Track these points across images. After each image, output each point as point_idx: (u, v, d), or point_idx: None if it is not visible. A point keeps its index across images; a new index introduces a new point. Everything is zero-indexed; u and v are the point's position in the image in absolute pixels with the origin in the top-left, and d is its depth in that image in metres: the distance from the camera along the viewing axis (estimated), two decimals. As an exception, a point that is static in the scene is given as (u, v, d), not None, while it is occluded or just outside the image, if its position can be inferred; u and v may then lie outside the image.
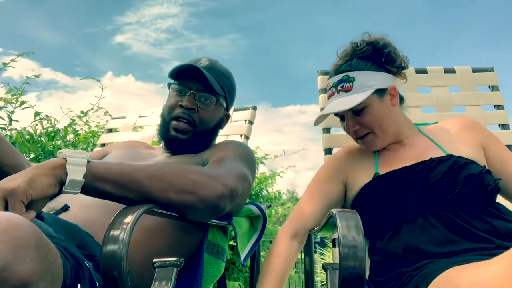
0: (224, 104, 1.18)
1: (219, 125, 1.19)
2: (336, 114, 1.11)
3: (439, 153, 0.99)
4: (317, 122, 1.13)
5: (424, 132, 1.11)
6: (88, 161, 0.71)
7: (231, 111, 1.36)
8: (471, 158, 0.96)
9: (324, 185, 1.12)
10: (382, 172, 1.02)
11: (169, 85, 1.15)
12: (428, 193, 0.92)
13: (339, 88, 1.06)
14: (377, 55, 1.08)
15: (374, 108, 1.04)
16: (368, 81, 1.04)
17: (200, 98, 1.10)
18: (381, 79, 1.06)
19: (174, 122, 1.09)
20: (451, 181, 0.90)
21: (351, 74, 1.05)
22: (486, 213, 0.88)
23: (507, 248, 0.57)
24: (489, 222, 0.86)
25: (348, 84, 1.05)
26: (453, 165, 0.93)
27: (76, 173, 0.68)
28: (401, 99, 1.15)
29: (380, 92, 1.05)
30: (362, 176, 1.06)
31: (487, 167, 0.99)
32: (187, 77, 1.11)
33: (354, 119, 1.06)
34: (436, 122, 1.17)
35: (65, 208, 0.88)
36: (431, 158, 0.97)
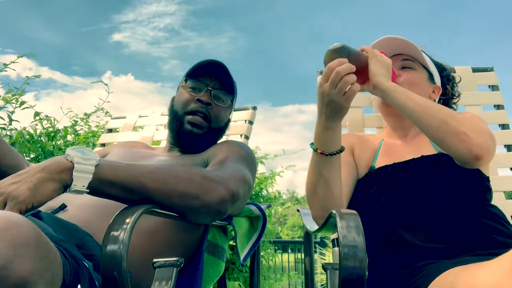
0: (231, 106, 1.21)
1: (227, 126, 1.21)
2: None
3: (432, 151, 1.00)
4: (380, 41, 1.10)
5: None
6: (97, 165, 0.71)
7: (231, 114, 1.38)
8: None
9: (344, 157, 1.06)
10: (380, 163, 1.03)
11: (186, 80, 1.15)
12: (416, 192, 0.92)
13: None
14: (441, 72, 1.17)
15: (419, 76, 1.09)
16: (429, 62, 1.11)
17: (216, 95, 1.13)
18: (436, 73, 1.13)
19: (189, 117, 1.09)
20: (438, 182, 0.91)
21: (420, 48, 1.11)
22: (479, 214, 0.88)
23: (506, 246, 0.57)
24: (484, 222, 0.86)
25: None
26: (442, 165, 0.93)
27: (82, 181, 0.68)
28: None
29: (431, 78, 1.12)
30: (362, 163, 1.06)
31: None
32: (204, 74, 1.13)
33: (399, 70, 1.08)
34: None
35: (63, 207, 0.88)
36: (422, 156, 0.97)
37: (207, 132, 1.11)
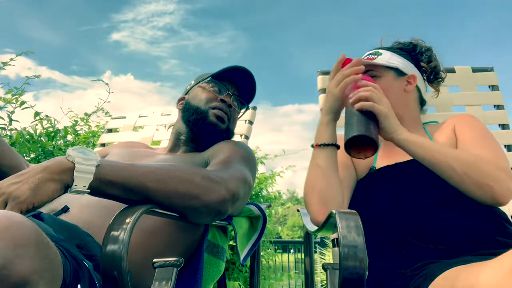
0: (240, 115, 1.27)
1: (233, 133, 1.23)
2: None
3: None
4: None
5: (426, 129, 1.11)
6: (98, 165, 0.71)
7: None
8: None
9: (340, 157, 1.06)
10: (380, 163, 1.03)
11: (209, 81, 1.18)
12: (418, 192, 0.92)
13: (364, 58, 1.12)
14: (413, 51, 1.14)
15: (386, 82, 1.07)
16: (391, 59, 1.10)
17: (235, 101, 1.19)
18: (404, 63, 1.11)
19: (215, 111, 1.13)
20: (439, 182, 0.90)
21: (380, 50, 1.12)
22: (480, 214, 0.88)
23: (507, 247, 0.57)
24: (485, 222, 0.86)
25: (373, 55, 1.11)
26: None
27: (83, 181, 0.69)
28: (423, 103, 1.17)
29: (398, 73, 1.09)
30: (362, 164, 1.06)
31: None
32: (226, 79, 1.18)
33: None
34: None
35: (65, 209, 0.88)
36: None
37: (224, 131, 1.14)
